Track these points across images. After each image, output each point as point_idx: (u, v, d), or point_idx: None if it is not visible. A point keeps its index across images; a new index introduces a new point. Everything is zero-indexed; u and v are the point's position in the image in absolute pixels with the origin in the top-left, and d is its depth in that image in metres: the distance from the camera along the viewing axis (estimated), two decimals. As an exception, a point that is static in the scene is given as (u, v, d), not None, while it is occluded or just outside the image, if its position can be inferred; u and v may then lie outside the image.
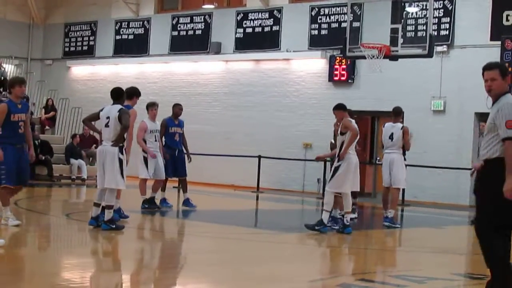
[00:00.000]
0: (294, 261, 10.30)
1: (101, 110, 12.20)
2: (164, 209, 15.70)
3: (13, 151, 11.39)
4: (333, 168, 13.23)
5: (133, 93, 13.68)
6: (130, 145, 13.13)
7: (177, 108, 16.49)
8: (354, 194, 13.83)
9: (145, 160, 15.42)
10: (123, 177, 11.85)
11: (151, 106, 15.99)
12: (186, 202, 16.45)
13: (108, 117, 11.92)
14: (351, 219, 13.61)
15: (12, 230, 11.37)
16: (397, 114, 14.87)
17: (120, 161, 11.78)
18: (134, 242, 11.77)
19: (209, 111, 25.31)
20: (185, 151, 16.37)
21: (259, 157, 23.59)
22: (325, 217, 13.04)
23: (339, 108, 13.38)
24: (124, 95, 12.25)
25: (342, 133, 13.11)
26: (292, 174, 24.40)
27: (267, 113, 25.14)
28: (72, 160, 23.80)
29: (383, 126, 14.98)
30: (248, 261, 10.06)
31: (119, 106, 11.96)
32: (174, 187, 19.23)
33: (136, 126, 13.65)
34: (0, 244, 9.27)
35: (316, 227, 13.05)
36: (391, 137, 14.71)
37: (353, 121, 13.27)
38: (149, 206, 15.33)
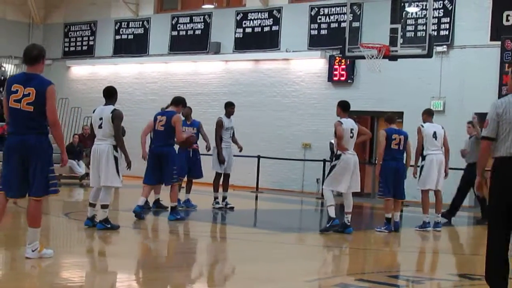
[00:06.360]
0: (292, 261, 10.29)
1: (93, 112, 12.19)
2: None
3: None
4: (330, 167, 13.28)
5: (179, 101, 14.25)
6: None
7: (186, 110, 16.65)
8: None
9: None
10: (119, 175, 11.82)
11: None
12: (187, 202, 16.52)
13: (101, 118, 11.86)
14: None
15: (12, 230, 11.38)
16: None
17: (115, 158, 11.74)
18: (131, 242, 11.75)
19: (208, 111, 25.27)
20: (207, 147, 16.70)
21: (259, 157, 23.61)
22: (331, 211, 13.04)
23: (338, 104, 13.44)
24: (116, 95, 12.16)
25: (336, 134, 13.17)
26: (291, 174, 24.40)
27: (266, 113, 25.15)
28: (70, 161, 23.92)
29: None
30: (246, 261, 10.05)
31: (111, 107, 11.88)
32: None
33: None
34: None
35: (327, 225, 13.09)
36: (434, 136, 14.59)
37: (348, 120, 13.22)
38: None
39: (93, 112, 12.15)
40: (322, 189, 13.55)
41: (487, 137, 7.34)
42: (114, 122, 11.72)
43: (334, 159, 13.22)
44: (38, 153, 8.48)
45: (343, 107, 13.33)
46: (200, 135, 16.65)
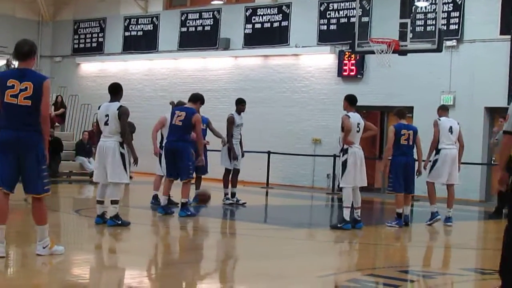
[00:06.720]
0: (303, 256, 10.29)
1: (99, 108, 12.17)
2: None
3: None
4: (341, 164, 13.23)
5: (198, 98, 14.30)
6: (201, 147, 14.09)
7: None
8: None
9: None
10: (126, 171, 11.80)
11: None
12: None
13: (107, 115, 11.82)
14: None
15: (23, 227, 11.41)
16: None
17: (122, 155, 11.72)
18: (142, 238, 11.75)
19: (218, 107, 25.29)
20: (223, 142, 16.73)
21: (269, 152, 23.60)
22: (346, 214, 13.02)
23: (345, 98, 13.42)
24: (121, 91, 12.13)
25: (342, 128, 13.14)
26: (301, 170, 24.39)
27: (276, 109, 25.13)
28: (80, 158, 23.98)
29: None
30: (257, 257, 10.04)
31: (118, 104, 11.81)
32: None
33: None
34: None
35: (339, 225, 13.08)
36: (450, 131, 14.55)
37: (355, 115, 13.18)
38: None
39: (98, 108, 12.12)
40: (341, 187, 13.44)
41: (508, 132, 7.21)
42: (120, 119, 11.69)
43: (342, 154, 13.19)
44: (35, 151, 8.43)
45: (350, 101, 13.30)
46: (209, 132, 16.63)
